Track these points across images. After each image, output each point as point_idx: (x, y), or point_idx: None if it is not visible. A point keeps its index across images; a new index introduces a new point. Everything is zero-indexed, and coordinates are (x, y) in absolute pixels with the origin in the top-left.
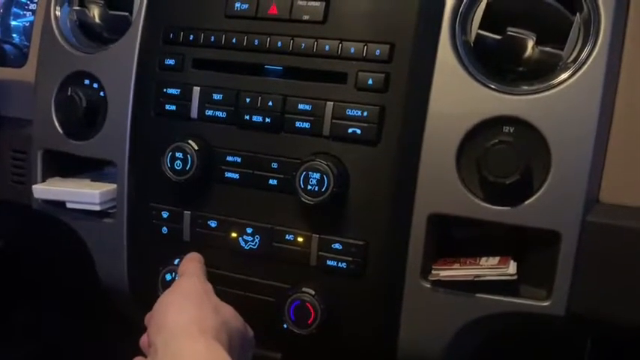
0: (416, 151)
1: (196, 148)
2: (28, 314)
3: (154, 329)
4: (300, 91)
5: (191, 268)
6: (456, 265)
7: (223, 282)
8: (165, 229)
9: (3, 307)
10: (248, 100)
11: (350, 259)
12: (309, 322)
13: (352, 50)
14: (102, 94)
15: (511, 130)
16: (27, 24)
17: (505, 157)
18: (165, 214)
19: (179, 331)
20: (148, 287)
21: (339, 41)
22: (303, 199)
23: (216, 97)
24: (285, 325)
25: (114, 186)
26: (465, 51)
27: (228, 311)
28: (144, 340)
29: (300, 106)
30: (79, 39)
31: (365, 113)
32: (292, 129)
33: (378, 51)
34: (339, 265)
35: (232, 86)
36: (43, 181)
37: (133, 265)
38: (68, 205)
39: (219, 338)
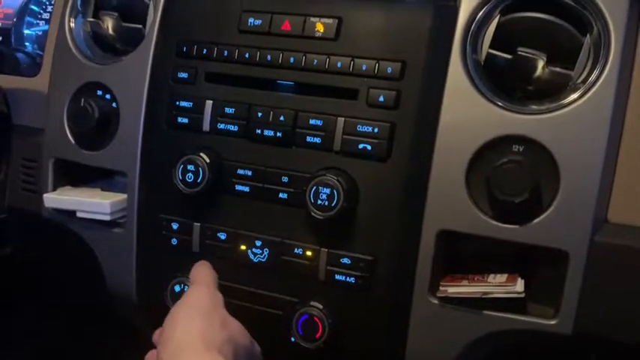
0: (426, 168)
1: (208, 160)
2: (33, 321)
3: (162, 344)
4: (312, 106)
5: (201, 277)
6: (464, 282)
7: (231, 294)
8: (174, 240)
9: (7, 313)
10: (260, 114)
11: (358, 273)
12: (317, 336)
13: (364, 67)
14: (114, 105)
15: (520, 149)
16: (40, 33)
17: (514, 176)
18: (175, 226)
19: (185, 346)
20: (157, 298)
21: (350, 58)
22: (313, 214)
23: (229, 110)
24: (292, 339)
25: (124, 196)
26: (475, 70)
27: (235, 326)
28: (151, 355)
29: (312, 121)
30: (92, 50)
31: (376, 129)
32: (303, 144)
33: (389, 68)
34: (348, 279)
35: (244, 100)
36: (54, 189)
37: (141, 275)
38: (78, 215)
39: (225, 353)
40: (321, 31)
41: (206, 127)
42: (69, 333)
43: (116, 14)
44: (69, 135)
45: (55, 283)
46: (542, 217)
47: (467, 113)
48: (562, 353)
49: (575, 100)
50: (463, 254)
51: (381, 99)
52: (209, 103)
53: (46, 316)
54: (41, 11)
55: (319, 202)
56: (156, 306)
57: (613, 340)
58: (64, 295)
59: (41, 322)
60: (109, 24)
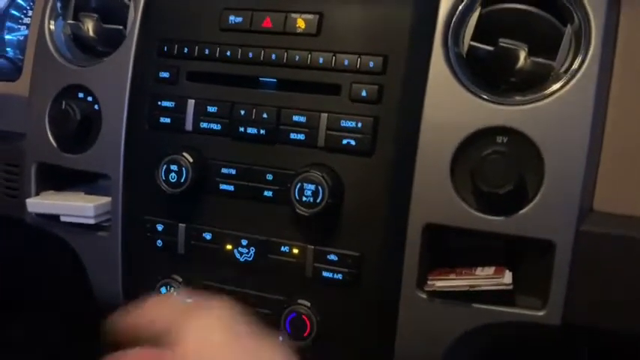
0: (410, 162)
1: (191, 160)
2: (18, 328)
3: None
4: (295, 102)
5: None
6: (452, 276)
7: (218, 294)
8: (160, 242)
9: None
10: (243, 112)
11: (345, 270)
12: (304, 334)
13: (346, 62)
14: (96, 107)
15: (504, 141)
16: (21, 38)
17: (499, 167)
18: (159, 227)
19: None
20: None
21: (332, 53)
22: (298, 211)
23: (211, 109)
24: (280, 338)
25: (108, 199)
26: (457, 62)
27: None
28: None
29: (295, 118)
30: (73, 52)
31: (359, 124)
32: (287, 140)
33: (371, 63)
34: (335, 276)
35: (227, 98)
36: (37, 194)
37: (127, 278)
38: (62, 219)
39: None
40: (303, 27)
41: (189, 126)
42: (55, 342)
43: (96, 16)
44: (51, 138)
45: (39, 291)
46: (527, 208)
47: (450, 106)
48: (555, 349)
49: (557, 90)
50: (451, 247)
51: (364, 94)
52: (191, 102)
53: (32, 327)
54: (22, 16)
55: (304, 198)
56: None
57: (601, 330)
58: (49, 302)
59: (26, 333)
60: (89, 26)
